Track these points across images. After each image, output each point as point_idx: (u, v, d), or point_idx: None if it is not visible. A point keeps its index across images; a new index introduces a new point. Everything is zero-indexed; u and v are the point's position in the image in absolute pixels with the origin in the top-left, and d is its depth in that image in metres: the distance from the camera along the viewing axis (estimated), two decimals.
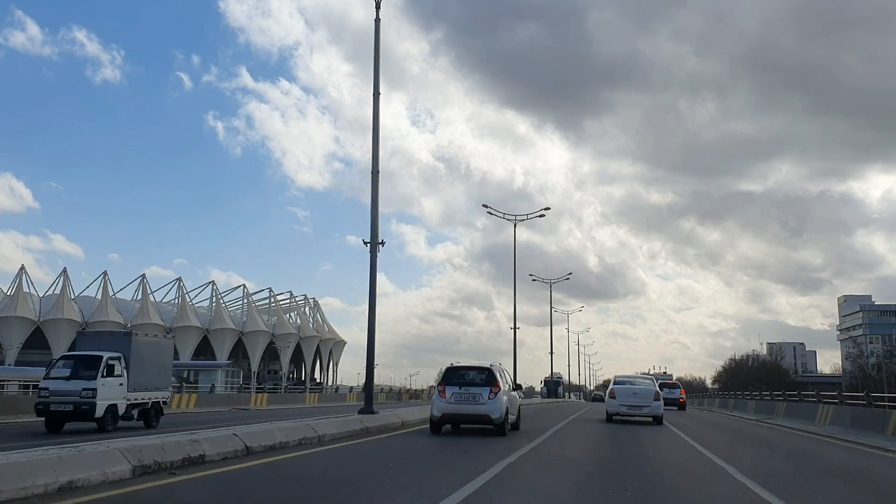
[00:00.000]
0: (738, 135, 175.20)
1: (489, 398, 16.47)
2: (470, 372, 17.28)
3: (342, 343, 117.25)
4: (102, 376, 18.53)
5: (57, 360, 20.22)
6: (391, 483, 9.07)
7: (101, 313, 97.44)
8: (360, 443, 14.44)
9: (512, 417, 17.66)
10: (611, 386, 24.80)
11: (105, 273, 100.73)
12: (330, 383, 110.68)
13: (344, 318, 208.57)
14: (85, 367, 18.73)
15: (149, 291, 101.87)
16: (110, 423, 18.68)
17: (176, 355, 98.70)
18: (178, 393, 31.11)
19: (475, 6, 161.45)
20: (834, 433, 20.97)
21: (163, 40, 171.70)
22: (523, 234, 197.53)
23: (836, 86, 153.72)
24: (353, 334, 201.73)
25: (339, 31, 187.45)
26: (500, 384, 16.90)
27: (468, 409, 16.55)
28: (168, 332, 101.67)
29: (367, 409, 18.28)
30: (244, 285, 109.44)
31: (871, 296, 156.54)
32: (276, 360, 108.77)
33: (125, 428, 19.05)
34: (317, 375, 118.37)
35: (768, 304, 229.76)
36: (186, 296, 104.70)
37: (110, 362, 19.01)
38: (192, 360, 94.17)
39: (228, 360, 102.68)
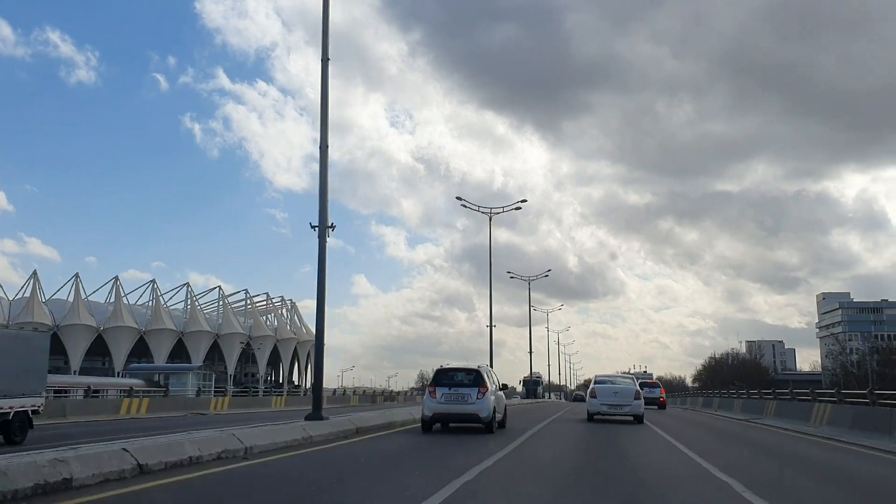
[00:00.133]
0: (715, 136, 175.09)
1: (477, 398, 17.07)
2: (459, 373, 17.89)
3: None
4: None
5: None
6: None
7: (72, 316, 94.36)
8: (297, 455, 12.16)
9: (499, 416, 18.19)
10: (591, 385, 24.55)
11: (77, 275, 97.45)
12: (307, 385, 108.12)
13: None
14: None
15: (122, 294, 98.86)
16: None
17: (150, 357, 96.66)
18: (127, 397, 28.69)
19: (453, 7, 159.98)
20: (833, 435, 18.93)
21: (138, 41, 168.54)
22: (503, 234, 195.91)
23: (811, 87, 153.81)
24: (334, 336, 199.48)
25: (317, 32, 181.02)
26: (488, 384, 17.52)
27: (458, 409, 17.12)
28: (143, 333, 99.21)
29: (315, 414, 15.99)
30: (220, 287, 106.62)
31: (849, 293, 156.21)
32: (254, 362, 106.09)
33: None
34: (295, 378, 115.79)
35: (746, 303, 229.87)
36: (161, 298, 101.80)
37: None
38: (167, 363, 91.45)
39: (204, 362, 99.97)
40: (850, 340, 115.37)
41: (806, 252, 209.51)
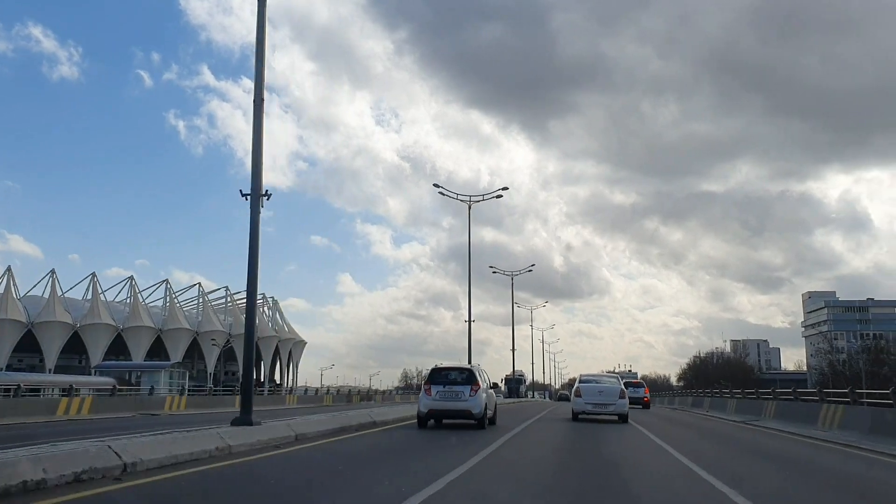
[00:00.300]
0: (700, 136, 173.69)
1: (470, 395, 17.72)
2: (452, 372, 18.61)
3: (302, 343, 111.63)
4: None
5: None
6: None
7: (47, 313, 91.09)
8: (197, 473, 9.32)
9: (490, 413, 18.83)
10: (576, 385, 24.33)
11: (52, 272, 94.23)
12: (289, 384, 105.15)
13: (309, 319, 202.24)
14: None
15: (99, 290, 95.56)
16: None
17: (128, 355, 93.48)
18: (66, 396, 25.74)
19: (440, 6, 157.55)
20: (850, 441, 16.27)
21: (122, 37, 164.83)
22: (489, 234, 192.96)
23: (795, 88, 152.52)
24: (319, 335, 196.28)
25: (302, 30, 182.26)
26: (480, 383, 18.23)
27: (451, 406, 17.83)
28: (120, 331, 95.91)
29: (243, 418, 13.10)
30: (199, 284, 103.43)
31: (835, 292, 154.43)
32: (234, 360, 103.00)
33: None
34: (277, 377, 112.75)
35: (730, 302, 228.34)
36: (139, 295, 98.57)
37: None
38: (145, 361, 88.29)
39: (184, 360, 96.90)
40: (835, 339, 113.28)
41: (789, 252, 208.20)
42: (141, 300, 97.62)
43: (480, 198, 40.46)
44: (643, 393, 42.57)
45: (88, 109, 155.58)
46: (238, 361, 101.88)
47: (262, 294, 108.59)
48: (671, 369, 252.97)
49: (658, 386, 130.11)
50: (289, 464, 10.80)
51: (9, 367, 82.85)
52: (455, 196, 40.12)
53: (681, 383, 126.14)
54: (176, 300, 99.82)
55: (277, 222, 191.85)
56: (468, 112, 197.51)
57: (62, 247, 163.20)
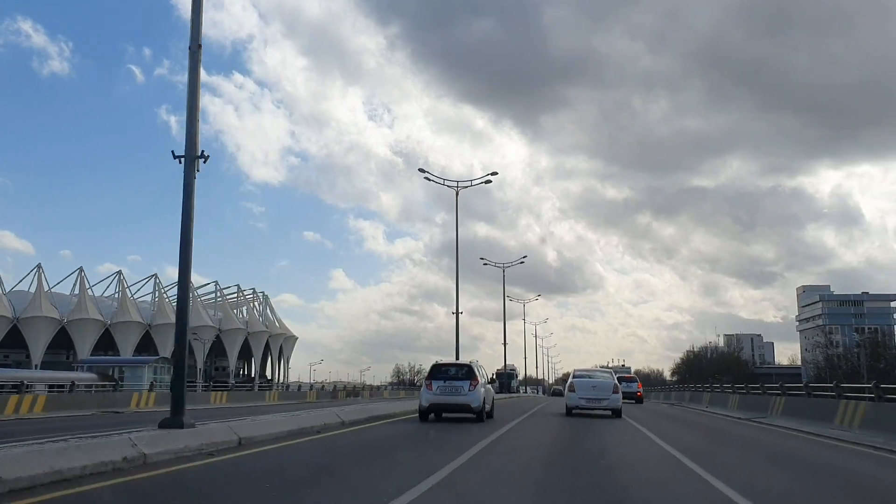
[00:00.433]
0: (691, 131, 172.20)
1: (469, 390, 18.24)
2: (452, 368, 19.36)
3: (293, 338, 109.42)
4: None
5: None
6: None
7: (34, 308, 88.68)
8: (78, 494, 7.19)
9: (487, 407, 19.18)
10: (570, 380, 24.22)
11: (39, 266, 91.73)
12: (280, 379, 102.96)
13: (301, 314, 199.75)
14: None
15: (87, 286, 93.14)
16: None
17: (116, 350, 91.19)
18: (16, 393, 23.51)
19: (431, 1, 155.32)
20: (877, 442, 14.15)
21: (113, 32, 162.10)
22: (482, 229, 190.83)
23: (785, 83, 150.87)
24: (312, 331, 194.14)
25: (294, 25, 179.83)
26: (479, 378, 18.76)
27: (451, 400, 18.31)
28: (108, 326, 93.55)
29: (173, 420, 10.92)
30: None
31: (829, 286, 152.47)
32: (224, 356, 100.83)
33: None
34: (269, 372, 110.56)
35: (722, 297, 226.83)
36: (128, 290, 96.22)
37: None
38: (134, 356, 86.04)
39: (172, 356, 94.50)
40: (830, 334, 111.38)
41: (781, 247, 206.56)
42: (129, 295, 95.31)
43: (469, 183, 38.45)
44: (636, 387, 42.28)
45: (80, 105, 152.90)
46: (228, 357, 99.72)
47: (252, 289, 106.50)
48: (664, 364, 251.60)
49: (651, 380, 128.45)
50: (213, 478, 8.63)
51: None
52: (442, 182, 38.17)
53: (674, 378, 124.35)
54: (165, 295, 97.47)
55: (269, 218, 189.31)
56: (460, 107, 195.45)
57: (54, 243, 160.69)
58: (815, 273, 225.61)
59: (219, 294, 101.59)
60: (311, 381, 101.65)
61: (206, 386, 52.53)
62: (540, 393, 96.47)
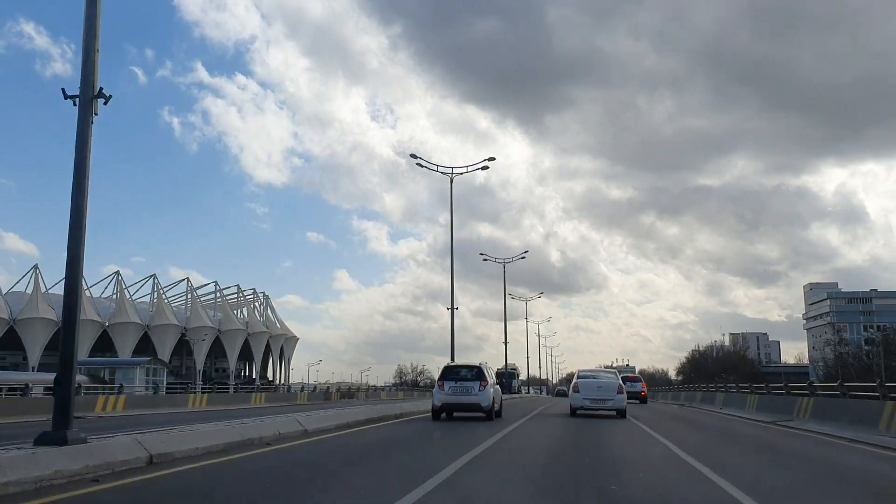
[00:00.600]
0: (695, 130, 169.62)
1: (479, 390, 18.75)
2: (463, 369, 19.61)
3: (294, 339, 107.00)
4: None
5: None
6: None
7: (30, 309, 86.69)
8: None
9: (497, 407, 19.69)
10: (574, 380, 23.80)
11: (35, 267, 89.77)
12: (281, 381, 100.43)
13: (306, 315, 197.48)
14: None
15: (85, 286, 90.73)
16: None
17: (114, 352, 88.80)
18: None
19: (434, 1, 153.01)
20: None
21: (115, 34, 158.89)
22: (486, 229, 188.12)
23: (789, 82, 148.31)
24: (316, 332, 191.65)
25: (296, 26, 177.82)
26: (488, 379, 19.23)
27: (463, 400, 18.79)
28: (106, 327, 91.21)
29: (55, 432, 8.34)
30: (188, 279, 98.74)
31: (837, 283, 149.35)
32: (225, 357, 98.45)
33: None
34: (270, 373, 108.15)
35: (726, 296, 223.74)
36: (126, 290, 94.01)
37: None
38: (132, 357, 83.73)
39: (172, 357, 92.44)
40: (840, 332, 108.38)
41: (786, 246, 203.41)
42: (128, 296, 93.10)
43: (464, 170, 35.88)
44: (640, 387, 41.61)
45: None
46: (228, 358, 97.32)
47: (253, 289, 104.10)
48: (669, 363, 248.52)
49: (656, 380, 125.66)
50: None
51: None
52: (436, 168, 35.66)
53: (679, 377, 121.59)
54: (164, 296, 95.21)
55: (273, 219, 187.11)
56: (464, 107, 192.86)
57: (59, 244, 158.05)
58: (819, 272, 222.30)
59: (218, 294, 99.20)
60: (315, 382, 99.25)
61: (184, 387, 50.17)
62: (543, 393, 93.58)
